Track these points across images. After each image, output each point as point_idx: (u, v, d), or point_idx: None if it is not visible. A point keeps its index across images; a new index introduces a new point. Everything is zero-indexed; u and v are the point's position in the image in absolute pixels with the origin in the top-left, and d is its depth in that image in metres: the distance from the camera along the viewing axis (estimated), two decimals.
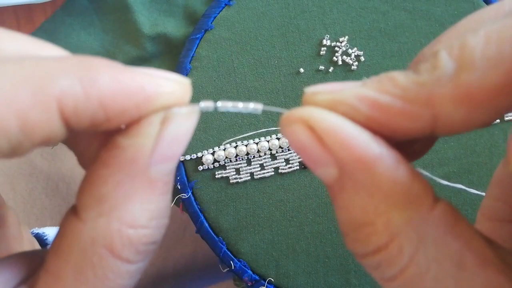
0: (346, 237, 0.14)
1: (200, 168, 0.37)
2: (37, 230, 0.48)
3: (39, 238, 0.46)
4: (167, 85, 0.15)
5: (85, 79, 0.13)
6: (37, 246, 0.32)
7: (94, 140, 0.17)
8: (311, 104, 0.15)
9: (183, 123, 0.15)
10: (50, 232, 0.48)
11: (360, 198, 0.13)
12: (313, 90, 0.15)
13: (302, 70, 0.37)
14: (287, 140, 0.15)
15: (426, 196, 0.13)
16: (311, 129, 0.14)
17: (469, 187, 0.36)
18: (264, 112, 0.37)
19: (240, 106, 0.16)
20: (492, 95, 0.12)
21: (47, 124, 0.13)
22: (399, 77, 0.13)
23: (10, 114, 0.12)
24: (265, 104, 0.37)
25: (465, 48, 0.12)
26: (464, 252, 0.12)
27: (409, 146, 0.16)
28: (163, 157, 0.14)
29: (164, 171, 0.15)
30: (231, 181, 0.36)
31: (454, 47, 0.13)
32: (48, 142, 0.14)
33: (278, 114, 0.37)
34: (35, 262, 0.16)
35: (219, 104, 0.16)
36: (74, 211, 0.15)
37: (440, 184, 0.19)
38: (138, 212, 0.14)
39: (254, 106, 0.17)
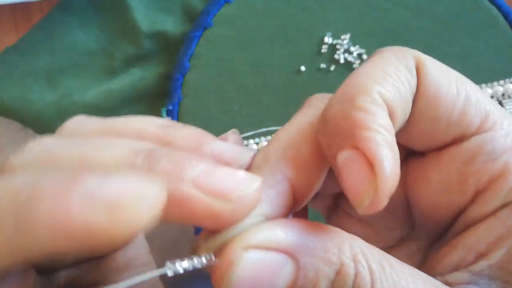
0: None
1: None
2: None
3: None
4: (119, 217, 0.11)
5: (19, 223, 0.11)
6: None
7: None
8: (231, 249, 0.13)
9: None
10: None
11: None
12: (208, 245, 0.14)
13: (303, 68, 0.37)
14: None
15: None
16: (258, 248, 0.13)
17: None
18: (264, 111, 0.36)
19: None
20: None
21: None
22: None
23: None
24: (265, 103, 0.36)
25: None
26: None
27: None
28: None
29: None
30: None
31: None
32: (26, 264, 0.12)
33: (279, 114, 0.36)
34: None
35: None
36: None
37: None
38: None
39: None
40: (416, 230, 0.19)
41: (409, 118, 0.16)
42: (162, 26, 0.38)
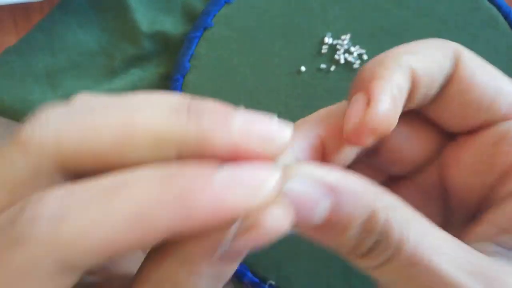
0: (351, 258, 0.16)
1: None
2: None
3: None
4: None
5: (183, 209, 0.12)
6: None
7: None
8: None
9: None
10: None
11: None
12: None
13: (303, 68, 0.37)
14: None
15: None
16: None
17: None
18: (264, 111, 0.36)
19: None
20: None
21: None
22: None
23: None
24: (265, 103, 0.36)
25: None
26: None
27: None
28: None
29: None
30: None
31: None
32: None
33: (279, 114, 0.36)
34: None
35: None
36: None
37: None
38: None
39: None
40: (452, 218, 0.20)
41: (444, 99, 0.19)
42: (162, 26, 0.38)
